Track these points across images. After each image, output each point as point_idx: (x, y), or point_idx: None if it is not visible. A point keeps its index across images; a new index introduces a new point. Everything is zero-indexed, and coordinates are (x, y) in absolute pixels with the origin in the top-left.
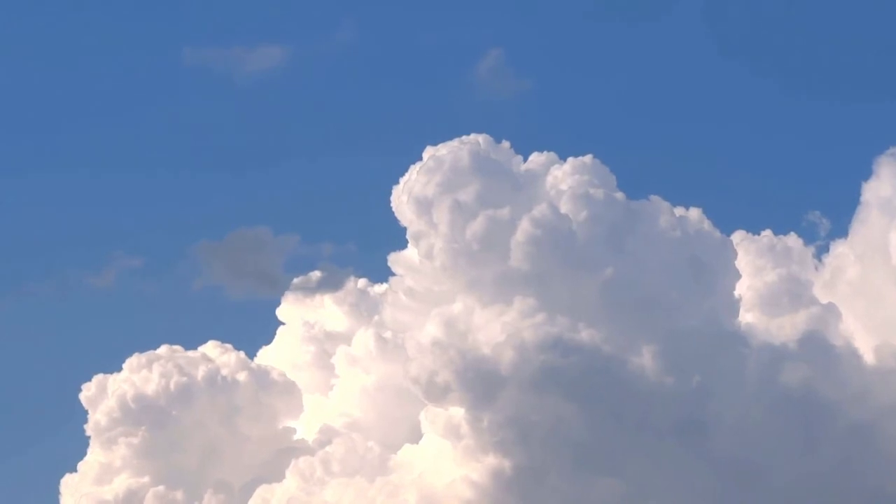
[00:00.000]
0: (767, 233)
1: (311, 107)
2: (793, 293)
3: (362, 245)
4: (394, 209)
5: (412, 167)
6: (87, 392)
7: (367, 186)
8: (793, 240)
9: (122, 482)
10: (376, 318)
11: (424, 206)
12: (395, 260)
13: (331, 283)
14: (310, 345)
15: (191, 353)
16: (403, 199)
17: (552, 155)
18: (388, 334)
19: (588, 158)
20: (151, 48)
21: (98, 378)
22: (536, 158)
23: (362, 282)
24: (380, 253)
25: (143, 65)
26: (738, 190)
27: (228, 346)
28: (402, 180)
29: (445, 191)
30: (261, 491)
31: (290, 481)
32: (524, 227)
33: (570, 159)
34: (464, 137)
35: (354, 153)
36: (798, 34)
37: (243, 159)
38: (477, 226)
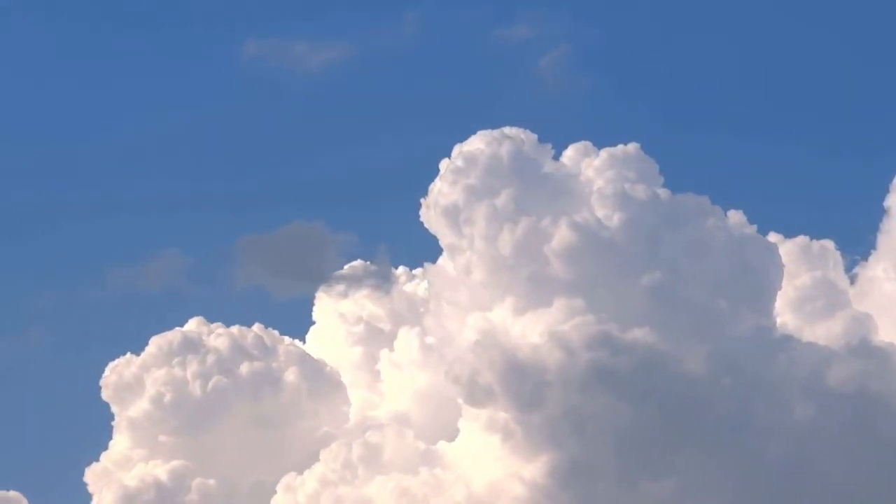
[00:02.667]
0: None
1: (371, 102)
2: (828, 296)
3: (414, 243)
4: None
5: (440, 172)
6: (115, 380)
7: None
8: (827, 244)
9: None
10: (420, 320)
11: (455, 216)
12: (431, 271)
13: (377, 280)
14: (354, 343)
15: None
16: (432, 212)
17: (588, 145)
18: (430, 339)
19: (632, 147)
20: (213, 40)
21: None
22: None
23: (410, 281)
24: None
25: (204, 56)
26: (774, 193)
27: (274, 333)
28: (432, 189)
29: (478, 197)
30: (288, 479)
31: (322, 471)
32: (562, 232)
33: (610, 149)
34: (493, 132)
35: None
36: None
37: (297, 155)
38: (513, 233)
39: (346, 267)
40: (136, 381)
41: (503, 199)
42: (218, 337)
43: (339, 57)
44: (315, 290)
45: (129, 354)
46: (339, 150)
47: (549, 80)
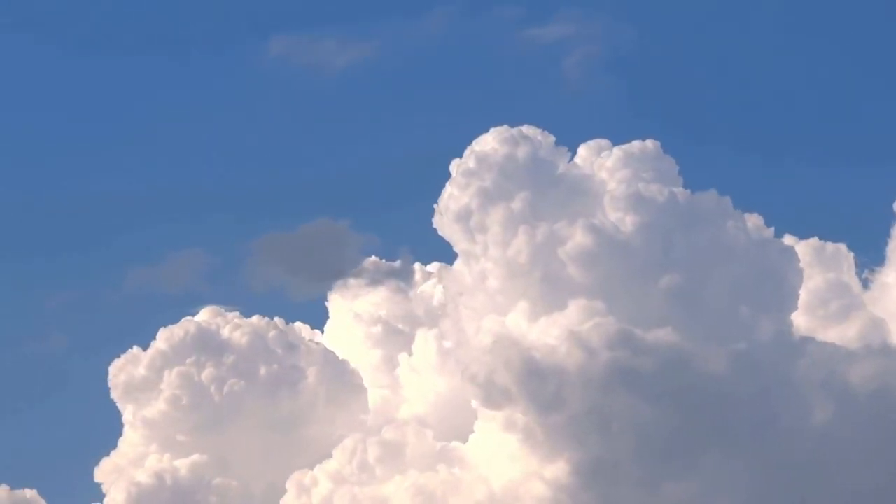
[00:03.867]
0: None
1: (395, 101)
2: (843, 299)
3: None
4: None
5: (452, 175)
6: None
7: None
8: (840, 247)
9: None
10: (436, 321)
11: (469, 221)
12: (447, 276)
13: (397, 279)
14: (370, 343)
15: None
16: (445, 218)
17: (602, 142)
18: (447, 343)
19: (651, 144)
20: (238, 36)
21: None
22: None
23: (427, 281)
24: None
25: (229, 53)
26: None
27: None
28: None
29: (491, 201)
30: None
31: (336, 468)
32: (579, 235)
33: (626, 146)
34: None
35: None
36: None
37: (321, 153)
38: (529, 238)
39: (365, 265)
40: (147, 378)
41: (517, 202)
42: (235, 330)
43: (367, 55)
44: (335, 288)
45: (135, 348)
46: (362, 148)
47: (573, 80)
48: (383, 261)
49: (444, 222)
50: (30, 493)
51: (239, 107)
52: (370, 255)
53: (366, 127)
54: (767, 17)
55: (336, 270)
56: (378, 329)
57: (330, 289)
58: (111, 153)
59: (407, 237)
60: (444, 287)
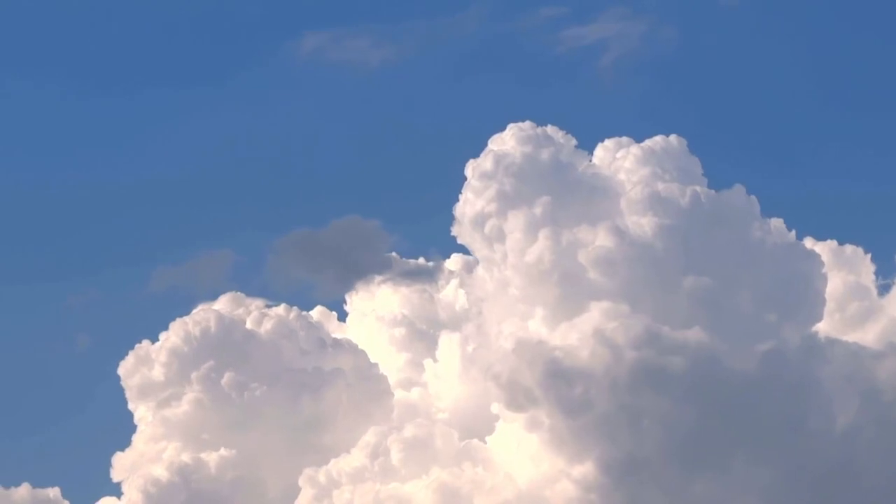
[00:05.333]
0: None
1: (427, 99)
2: (862, 301)
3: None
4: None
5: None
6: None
7: None
8: (857, 249)
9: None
10: (458, 321)
11: (488, 227)
12: (468, 281)
13: (424, 279)
14: (392, 343)
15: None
16: (464, 226)
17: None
18: (470, 347)
19: (674, 139)
20: (271, 32)
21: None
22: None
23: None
24: None
25: (260, 49)
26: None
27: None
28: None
29: (510, 204)
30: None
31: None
32: (601, 239)
33: (649, 143)
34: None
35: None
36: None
37: (352, 151)
38: (549, 242)
39: (392, 264)
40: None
41: (537, 206)
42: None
43: (401, 51)
44: (361, 287)
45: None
46: (394, 146)
47: (605, 81)
48: (410, 261)
49: (463, 229)
50: (52, 492)
51: (271, 103)
52: (398, 255)
53: (398, 125)
54: (810, 26)
55: (361, 269)
56: (401, 330)
57: (352, 288)
58: (139, 149)
59: (436, 238)
60: (466, 292)
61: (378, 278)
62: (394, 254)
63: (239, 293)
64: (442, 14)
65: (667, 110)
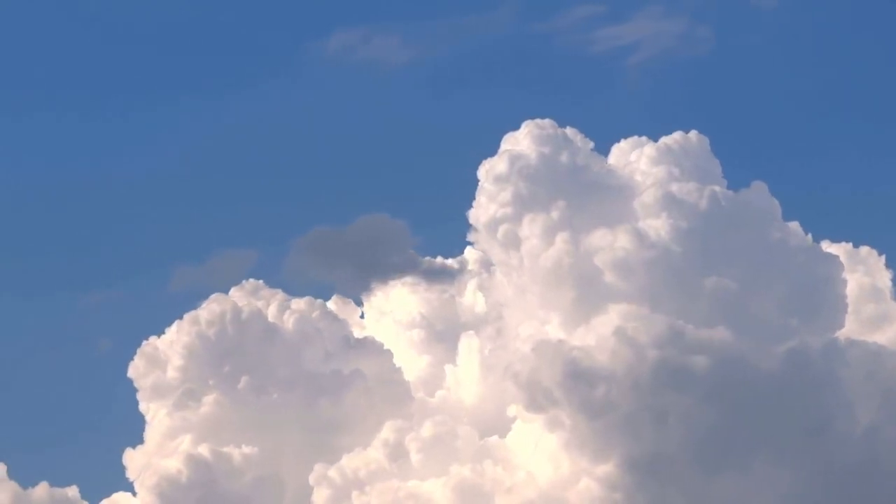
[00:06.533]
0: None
1: (456, 99)
2: (877, 303)
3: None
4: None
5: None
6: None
7: None
8: (872, 251)
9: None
10: (477, 322)
11: (503, 232)
12: (487, 283)
13: (443, 278)
14: (409, 343)
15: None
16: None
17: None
18: (489, 349)
19: (693, 134)
20: (300, 29)
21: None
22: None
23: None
24: None
25: (287, 46)
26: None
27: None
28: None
29: (526, 207)
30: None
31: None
32: (620, 244)
33: (667, 139)
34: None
35: None
36: None
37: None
38: (566, 245)
39: (415, 264)
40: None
41: (553, 209)
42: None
43: (429, 50)
44: (380, 287)
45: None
46: (420, 146)
47: (631, 81)
48: (431, 259)
49: (480, 236)
50: (71, 491)
51: (298, 101)
52: (420, 255)
53: (423, 124)
54: (840, 29)
55: (382, 269)
56: (419, 332)
57: (370, 289)
58: (162, 148)
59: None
60: (484, 296)
61: (398, 279)
62: (416, 254)
63: (258, 281)
64: (473, 12)
65: (693, 111)
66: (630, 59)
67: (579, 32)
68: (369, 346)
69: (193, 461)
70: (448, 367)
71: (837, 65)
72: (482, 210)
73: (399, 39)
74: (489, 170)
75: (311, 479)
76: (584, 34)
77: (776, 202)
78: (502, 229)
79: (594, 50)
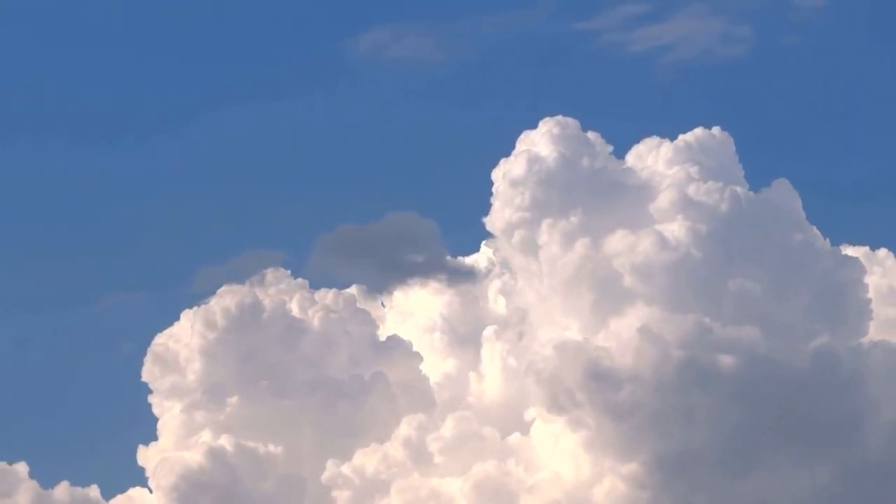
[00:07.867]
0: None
1: (485, 100)
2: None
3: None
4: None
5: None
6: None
7: None
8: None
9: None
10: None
11: (520, 238)
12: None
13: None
14: (438, 347)
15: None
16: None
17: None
18: (511, 351)
19: (717, 131)
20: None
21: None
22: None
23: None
24: None
25: (315, 45)
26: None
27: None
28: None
29: (543, 213)
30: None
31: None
32: (640, 248)
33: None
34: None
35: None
36: None
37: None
38: (585, 250)
39: (441, 264)
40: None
41: (571, 213)
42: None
43: (461, 51)
44: (401, 288)
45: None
46: (450, 146)
47: (660, 82)
48: (454, 259)
49: (499, 244)
50: (92, 491)
51: (332, 100)
52: (450, 256)
53: (450, 125)
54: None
55: (406, 269)
56: (441, 334)
57: (388, 289)
58: (184, 146)
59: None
60: (505, 301)
61: (422, 280)
62: (444, 251)
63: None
64: (509, 9)
65: (717, 111)
66: (664, 58)
67: (621, 31)
68: (395, 347)
69: (213, 457)
70: (470, 368)
71: (870, 70)
72: (497, 215)
73: (431, 38)
74: (504, 171)
75: (325, 478)
76: (625, 33)
77: (799, 202)
78: (518, 234)
79: (632, 50)
